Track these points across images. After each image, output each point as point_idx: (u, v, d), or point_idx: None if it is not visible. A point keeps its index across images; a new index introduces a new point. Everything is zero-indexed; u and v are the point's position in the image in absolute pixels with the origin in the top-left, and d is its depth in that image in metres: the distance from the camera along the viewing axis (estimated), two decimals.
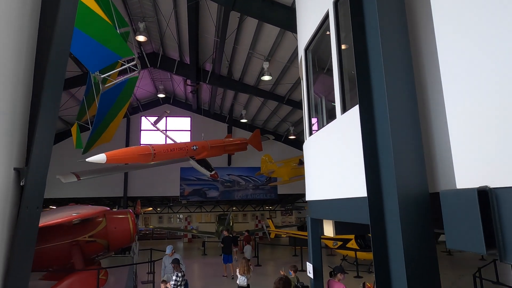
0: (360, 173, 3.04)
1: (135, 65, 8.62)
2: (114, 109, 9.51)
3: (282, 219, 29.79)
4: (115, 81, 8.29)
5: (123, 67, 8.12)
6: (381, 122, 2.61)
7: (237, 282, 7.97)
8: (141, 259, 18.65)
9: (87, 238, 10.73)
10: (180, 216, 30.08)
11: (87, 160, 7.53)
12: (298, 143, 21.63)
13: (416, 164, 2.41)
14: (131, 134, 20.84)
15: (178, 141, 18.29)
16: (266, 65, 12.20)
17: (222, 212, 26.65)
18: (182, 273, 7.51)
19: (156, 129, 20.11)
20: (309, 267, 5.70)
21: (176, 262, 7.58)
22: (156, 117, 18.24)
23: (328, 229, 4.65)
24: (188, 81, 15.19)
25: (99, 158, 7.68)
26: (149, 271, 13.67)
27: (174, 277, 7.32)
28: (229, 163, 21.25)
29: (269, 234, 18.20)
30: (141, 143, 21.01)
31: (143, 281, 12.12)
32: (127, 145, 20.56)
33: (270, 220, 19.66)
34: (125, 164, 19.94)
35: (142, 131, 21.17)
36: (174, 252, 9.08)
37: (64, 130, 19.59)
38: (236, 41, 12.39)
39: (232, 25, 11.29)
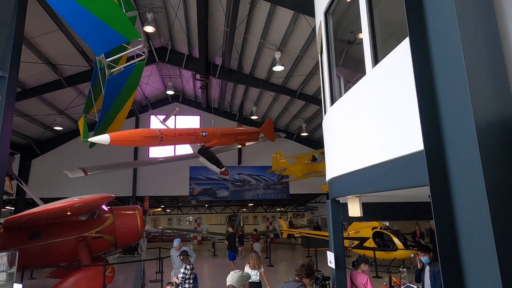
0: (406, 126, 2.53)
1: (141, 56, 8.29)
2: (121, 97, 9.15)
3: (294, 221, 29.08)
4: (121, 66, 7.93)
5: (129, 50, 7.75)
6: (445, 46, 2.08)
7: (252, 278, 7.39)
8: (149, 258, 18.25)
9: (94, 234, 10.37)
10: (190, 218, 29.71)
11: (89, 140, 7.13)
12: (310, 142, 21.07)
13: (500, 89, 1.87)
14: None
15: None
16: (278, 55, 11.75)
17: (232, 213, 26.17)
18: (191, 265, 7.04)
19: (165, 127, 19.88)
20: (330, 256, 5.16)
21: (184, 254, 7.12)
22: (165, 115, 18.00)
23: (354, 209, 4.12)
24: (197, 76, 14.83)
25: (102, 138, 7.29)
26: (158, 270, 13.26)
27: (182, 270, 6.85)
28: (239, 161, 20.79)
29: (281, 234, 17.64)
30: None
31: (152, 280, 11.67)
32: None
33: (281, 219, 19.08)
34: (134, 160, 19.77)
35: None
36: (182, 245, 8.61)
37: (73, 129, 19.41)
38: (247, 30, 12.00)
39: (243, 12, 10.91)
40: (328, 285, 5.21)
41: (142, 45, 7.69)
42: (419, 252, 5.32)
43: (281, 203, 29.37)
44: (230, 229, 15.07)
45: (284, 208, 30.25)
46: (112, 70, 7.72)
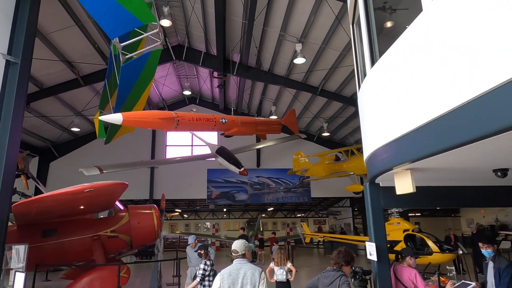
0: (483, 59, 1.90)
1: (157, 43, 7.91)
2: (137, 88, 8.78)
3: (315, 228, 28.05)
4: (136, 52, 7.56)
5: (144, 35, 7.36)
6: None
7: (274, 278, 6.72)
8: (166, 264, 17.80)
9: (109, 232, 9.96)
10: (207, 224, 29.17)
11: (100, 118, 6.70)
12: (332, 143, 20.27)
13: None
14: (157, 135, 20.34)
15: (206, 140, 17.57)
16: (299, 47, 11.19)
17: (251, 218, 25.46)
18: (211, 261, 6.43)
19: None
20: (370, 247, 4.47)
21: (204, 248, 6.53)
22: None
23: (404, 184, 3.43)
24: (215, 73, 14.45)
25: (115, 117, 6.85)
26: (175, 273, 12.71)
27: (201, 266, 6.25)
28: (258, 164, 20.19)
29: (304, 238, 16.85)
30: (167, 144, 20.46)
31: (169, 283, 11.12)
32: (153, 145, 20.09)
33: (304, 223, 18.28)
34: (151, 159, 19.47)
35: (168, 132, 20.62)
36: (197, 242, 8.01)
37: (91, 131, 19.35)
38: (266, 22, 11.53)
39: (262, 3, 10.47)
40: (369, 280, 4.50)
41: (157, 30, 7.31)
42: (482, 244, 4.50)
43: (302, 208, 28.48)
44: (241, 231, 14.62)
45: (305, 214, 29.29)
46: (126, 56, 7.35)
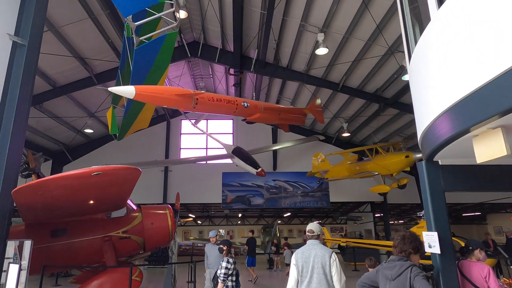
0: None
1: (173, 24, 7.38)
2: (152, 75, 8.26)
3: (332, 235, 26.92)
4: (151, 34, 7.04)
5: (160, 14, 6.84)
6: None
7: None
8: (180, 269, 17.13)
9: (120, 233, 9.35)
10: (221, 231, 28.39)
11: (111, 89, 6.11)
12: (352, 146, 19.35)
13: None
14: (171, 138, 19.89)
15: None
16: (321, 37, 10.54)
17: (266, 224, 24.58)
18: (233, 259, 5.72)
19: (198, 132, 19.05)
20: (430, 237, 3.69)
21: (226, 244, 5.84)
22: (195, 119, 17.19)
23: (490, 148, 2.68)
24: (231, 70, 13.91)
25: (127, 89, 6.25)
26: (189, 279, 12.00)
27: (223, 264, 5.55)
28: (275, 167, 19.44)
29: (325, 244, 15.90)
30: (181, 147, 19.95)
31: None
32: (167, 148, 19.61)
33: (324, 227, 17.33)
34: (165, 158, 18.94)
35: (182, 135, 20.16)
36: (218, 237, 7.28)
37: (104, 134, 19.03)
38: (286, 12, 10.95)
39: None
40: (430, 277, 3.72)
41: (173, 8, 6.79)
42: None
43: (319, 215, 27.43)
44: (250, 234, 13.98)
45: (322, 220, 28.18)
46: (141, 38, 6.82)
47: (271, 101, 18.36)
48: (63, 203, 6.66)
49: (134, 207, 10.04)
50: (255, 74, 15.52)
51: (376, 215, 21.33)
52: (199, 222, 27.49)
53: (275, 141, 19.36)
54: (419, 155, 12.67)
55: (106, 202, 7.73)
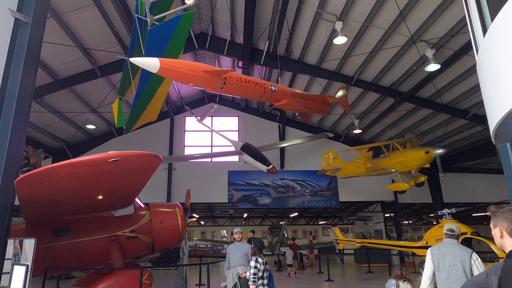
0: None
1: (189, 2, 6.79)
2: None
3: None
4: (167, 13, 6.44)
5: None
6: None
7: None
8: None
9: (128, 233, 8.73)
10: (224, 232, 27.74)
11: (133, 60, 5.47)
12: (360, 143, 18.79)
13: None
14: (174, 135, 19.26)
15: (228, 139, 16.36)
16: (339, 25, 9.96)
17: (273, 225, 23.96)
18: (264, 259, 5.11)
19: (203, 129, 18.45)
20: None
21: (258, 247, 5.24)
22: (200, 116, 16.61)
23: None
24: (240, 63, 13.33)
25: (151, 62, 5.60)
26: (199, 282, 11.39)
27: (252, 263, 4.99)
28: (282, 165, 18.83)
29: (337, 244, 15.34)
30: (185, 145, 19.33)
31: None
32: (170, 146, 18.99)
33: (336, 228, 16.74)
34: (175, 154, 18.22)
35: (186, 132, 19.54)
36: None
37: (107, 131, 18.40)
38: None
39: None
40: None
41: None
42: None
43: (325, 215, 26.83)
44: (251, 234, 13.49)
45: (329, 221, 27.54)
46: (156, 17, 6.21)
47: None
48: (70, 197, 6.01)
49: (142, 204, 9.45)
50: (264, 68, 14.98)
51: (385, 215, 20.78)
52: (202, 222, 26.82)
53: (282, 138, 18.77)
54: (440, 151, 12.13)
55: (118, 196, 7.09)
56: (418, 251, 12.04)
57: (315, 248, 19.13)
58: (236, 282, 5.96)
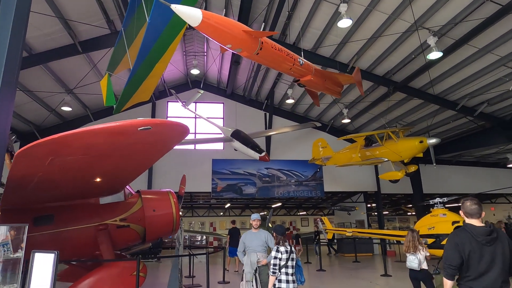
0: None
1: None
2: (166, 35, 6.95)
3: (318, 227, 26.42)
4: None
5: None
6: None
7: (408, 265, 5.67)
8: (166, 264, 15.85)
9: (118, 221, 8.01)
10: (202, 223, 27.07)
11: (172, 6, 4.72)
12: (346, 134, 18.75)
13: None
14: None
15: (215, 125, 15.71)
16: (343, 7, 9.55)
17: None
18: (289, 248, 4.67)
19: (187, 115, 17.65)
20: None
21: (279, 230, 4.78)
22: (184, 102, 15.85)
23: None
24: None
25: (192, 12, 4.87)
26: (190, 274, 10.82)
27: (273, 253, 4.61)
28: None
29: (326, 234, 15.26)
30: None
31: (186, 285, 9.20)
32: None
33: (325, 217, 16.65)
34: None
35: (169, 118, 18.61)
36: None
37: (82, 115, 17.12)
38: None
39: None
40: None
41: None
42: None
43: (306, 205, 26.87)
44: (232, 224, 13.36)
45: (308, 212, 27.61)
46: None
47: (267, 84, 17.33)
48: (68, 178, 5.19)
49: (132, 191, 8.73)
50: None
51: (367, 205, 21.07)
52: (180, 213, 25.97)
53: (269, 127, 18.37)
54: (433, 141, 12.23)
55: (122, 176, 6.34)
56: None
57: (300, 239, 18.94)
58: (256, 268, 5.50)
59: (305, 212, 28.73)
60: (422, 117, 15.81)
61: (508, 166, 19.22)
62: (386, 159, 12.76)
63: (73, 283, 7.19)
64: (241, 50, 5.76)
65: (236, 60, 13.69)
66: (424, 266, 5.93)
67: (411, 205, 25.91)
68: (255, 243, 5.68)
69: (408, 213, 30.51)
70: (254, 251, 5.62)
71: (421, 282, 6.07)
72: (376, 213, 20.42)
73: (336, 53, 12.82)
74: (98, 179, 5.72)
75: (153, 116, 18.37)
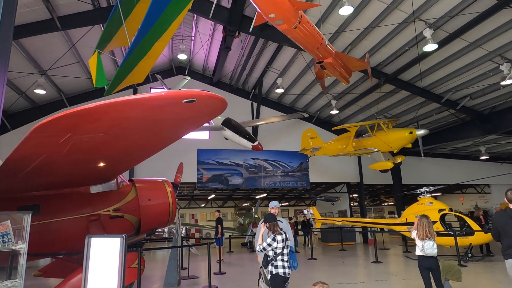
0: None
1: None
2: (169, 12, 6.47)
3: (298, 219, 26.67)
4: None
5: None
6: None
7: (420, 251, 5.41)
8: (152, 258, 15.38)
9: (111, 212, 7.50)
10: (181, 214, 26.41)
11: None
12: (331, 125, 18.83)
13: None
14: None
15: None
16: None
17: (241, 206, 23.34)
18: (284, 235, 4.70)
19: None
20: None
21: (270, 219, 4.81)
22: (170, 88, 15.20)
23: None
24: (228, 29, 12.19)
25: None
26: (182, 266, 10.39)
27: (269, 240, 4.64)
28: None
29: (315, 223, 15.30)
30: None
31: (183, 277, 8.81)
32: None
33: (314, 207, 16.71)
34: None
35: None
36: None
37: (56, 99, 15.94)
38: None
39: None
40: None
41: None
42: None
43: (288, 197, 26.94)
44: (217, 214, 13.37)
45: (291, 203, 27.72)
46: None
47: (255, 73, 16.97)
48: (75, 160, 4.59)
49: (125, 180, 8.22)
50: (246, 40, 14.04)
51: (350, 196, 21.43)
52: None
53: (256, 116, 18.05)
54: (422, 132, 12.46)
55: (130, 160, 5.83)
56: (397, 228, 12.40)
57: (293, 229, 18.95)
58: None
59: (287, 203, 28.86)
60: (407, 110, 16.14)
61: (481, 158, 20.13)
62: (377, 150, 12.89)
63: (65, 278, 6.65)
64: (282, 21, 5.43)
65: (227, 46, 13.19)
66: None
67: (390, 196, 26.68)
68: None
69: (384, 204, 31.50)
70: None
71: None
72: (357, 203, 20.81)
73: (331, 42, 12.61)
74: (101, 164, 5.20)
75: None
